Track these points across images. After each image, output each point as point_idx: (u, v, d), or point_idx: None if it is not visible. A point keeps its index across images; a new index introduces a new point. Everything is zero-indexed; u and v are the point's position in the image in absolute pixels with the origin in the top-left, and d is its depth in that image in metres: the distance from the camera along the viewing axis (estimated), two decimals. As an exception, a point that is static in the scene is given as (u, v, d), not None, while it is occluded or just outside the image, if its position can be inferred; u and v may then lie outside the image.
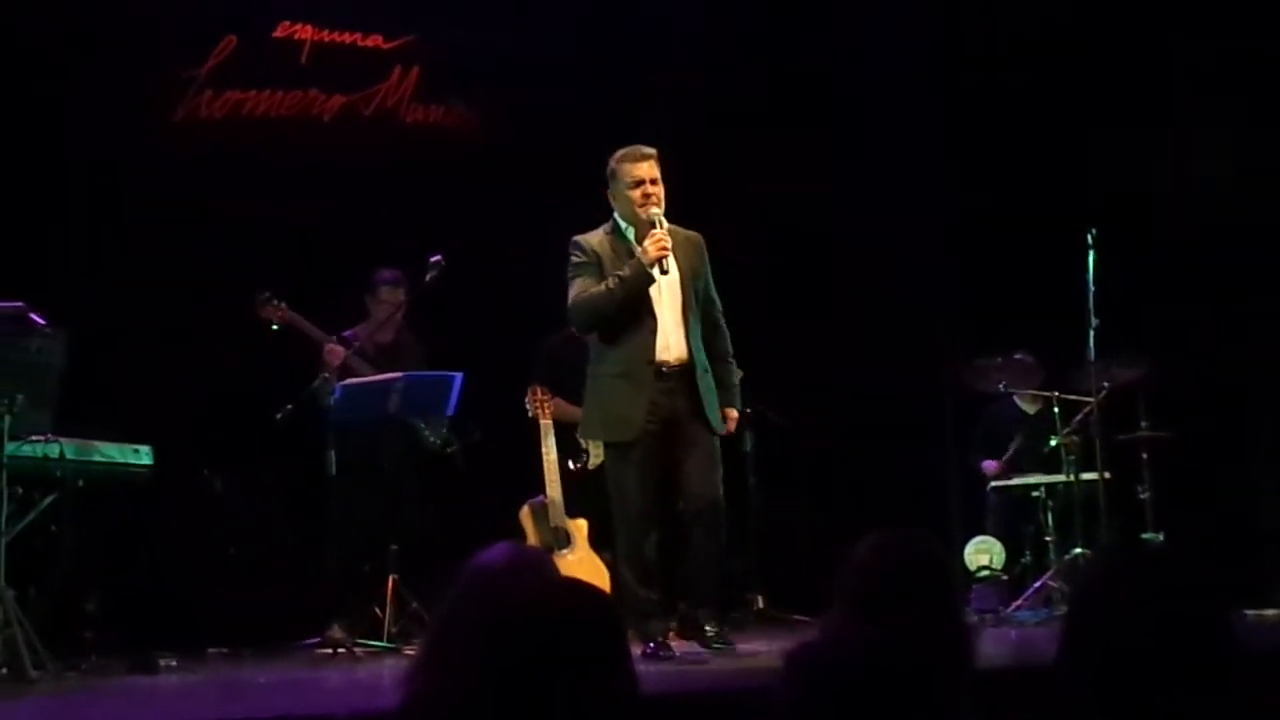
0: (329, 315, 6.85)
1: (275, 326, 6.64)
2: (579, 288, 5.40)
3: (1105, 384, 6.83)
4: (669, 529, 5.56)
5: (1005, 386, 7.52)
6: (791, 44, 8.53)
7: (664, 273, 5.30)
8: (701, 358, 5.43)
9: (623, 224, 5.49)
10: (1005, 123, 8.02)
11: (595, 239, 5.47)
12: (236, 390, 6.97)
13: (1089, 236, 6.60)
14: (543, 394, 6.67)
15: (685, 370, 5.38)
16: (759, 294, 7.98)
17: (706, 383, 5.41)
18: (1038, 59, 8.00)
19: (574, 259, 5.45)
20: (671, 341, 5.36)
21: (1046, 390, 7.30)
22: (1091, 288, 6.56)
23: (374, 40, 8.13)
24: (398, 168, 7.94)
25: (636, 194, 5.38)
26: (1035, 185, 7.87)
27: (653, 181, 5.41)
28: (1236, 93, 7.73)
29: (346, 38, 8.09)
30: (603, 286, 5.33)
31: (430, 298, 6.74)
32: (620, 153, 5.47)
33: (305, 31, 7.99)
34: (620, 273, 5.32)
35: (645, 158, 5.43)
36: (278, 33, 7.95)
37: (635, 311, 5.34)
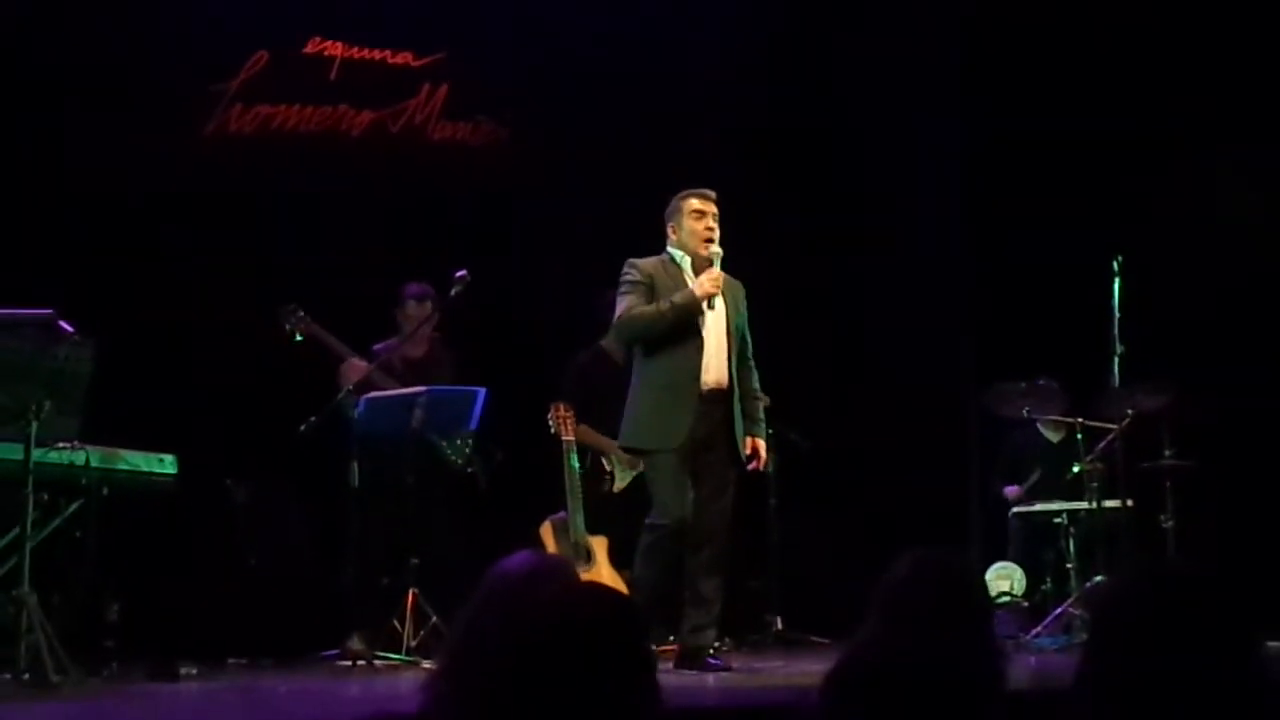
0: (356, 330, 6.87)
1: (299, 339, 6.68)
2: (629, 304, 5.69)
3: (1129, 411, 6.81)
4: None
5: (1029, 412, 7.49)
6: (816, 68, 8.56)
7: (711, 309, 5.63)
8: (736, 387, 5.71)
9: (677, 254, 5.81)
10: (1034, 146, 8.02)
11: (650, 264, 5.77)
12: (261, 402, 7.00)
13: (1115, 263, 6.59)
14: (565, 411, 6.70)
15: (724, 395, 5.68)
16: (782, 316, 8.00)
17: (738, 411, 5.70)
18: (1069, 80, 8.00)
19: (628, 277, 5.74)
20: (715, 365, 5.66)
21: (1070, 417, 7.28)
22: (1117, 314, 6.56)
23: (403, 57, 8.18)
24: (425, 184, 7.98)
25: (700, 226, 5.75)
26: (1063, 211, 7.87)
27: (714, 219, 5.77)
28: (1269, 121, 7.72)
29: (376, 54, 8.13)
30: (654, 307, 5.63)
31: (455, 313, 6.76)
32: (684, 191, 5.84)
33: (335, 48, 8.04)
34: (673, 299, 5.62)
35: (708, 197, 5.82)
36: (308, 49, 8.00)
37: (685, 332, 5.64)
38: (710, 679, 5.37)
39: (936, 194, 8.42)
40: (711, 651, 5.64)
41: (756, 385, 5.90)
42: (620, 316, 5.72)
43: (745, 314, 5.86)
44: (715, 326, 5.68)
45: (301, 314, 6.68)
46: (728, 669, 5.57)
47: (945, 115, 8.48)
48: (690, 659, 5.53)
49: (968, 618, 2.36)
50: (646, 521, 5.64)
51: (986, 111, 8.26)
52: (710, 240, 5.71)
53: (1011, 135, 8.13)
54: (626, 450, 6.03)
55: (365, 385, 6.59)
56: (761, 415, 5.88)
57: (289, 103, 7.94)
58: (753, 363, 5.89)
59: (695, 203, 5.79)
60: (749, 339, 5.87)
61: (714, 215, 5.76)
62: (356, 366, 6.68)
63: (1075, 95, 8.05)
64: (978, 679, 2.23)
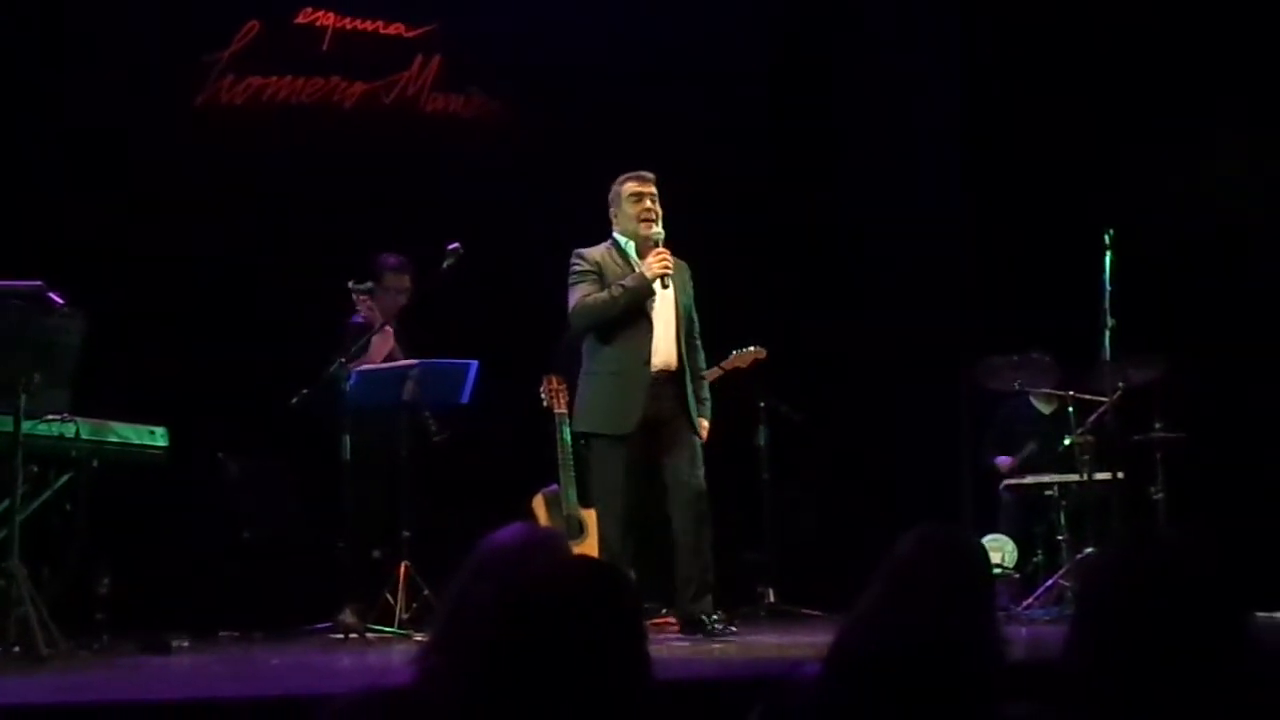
0: (345, 301, 6.85)
1: (368, 318, 6.70)
2: (581, 292, 5.80)
3: (1120, 384, 6.80)
4: (661, 527, 5.81)
5: (1021, 385, 7.49)
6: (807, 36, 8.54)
7: (665, 287, 5.73)
8: (687, 366, 5.84)
9: (622, 240, 5.94)
10: (1026, 121, 8.00)
11: (597, 252, 5.88)
12: (253, 374, 6.99)
13: (1106, 236, 6.58)
14: (558, 383, 6.71)
15: (673, 375, 5.81)
16: (775, 288, 7.99)
17: (690, 389, 5.83)
18: (1061, 58, 7.98)
19: (576, 267, 5.85)
20: (663, 347, 5.79)
21: (1062, 390, 7.27)
22: (1108, 288, 6.55)
23: (396, 28, 8.16)
24: (417, 155, 7.95)
25: (638, 210, 5.84)
26: (1054, 185, 7.85)
27: (652, 200, 5.86)
28: (1260, 95, 7.71)
29: (368, 25, 8.12)
30: (606, 293, 5.74)
31: (447, 285, 6.74)
32: (623, 176, 5.94)
33: (327, 18, 8.02)
34: (624, 282, 5.73)
35: (646, 180, 5.91)
36: (300, 19, 7.98)
37: (634, 317, 5.75)
38: (708, 648, 5.39)
39: (933, 170, 8.39)
40: (715, 618, 5.70)
41: (702, 364, 6.07)
42: (574, 307, 5.81)
43: (692, 294, 5.97)
44: (664, 309, 5.79)
45: (364, 294, 6.66)
46: (731, 628, 5.72)
47: (944, 93, 8.45)
48: (693, 626, 5.63)
49: (974, 594, 2.36)
50: (596, 509, 5.87)
51: (983, 88, 8.24)
52: (650, 221, 5.79)
53: (1007, 109, 8.11)
54: (580, 435, 6.11)
55: (388, 359, 6.61)
56: (707, 394, 6.03)
57: (281, 74, 7.92)
58: (699, 342, 6.02)
59: (633, 185, 5.88)
60: (695, 319, 6.00)
61: (653, 197, 5.85)
62: (386, 333, 6.68)
63: (1070, 70, 8.02)
64: (983, 654, 2.23)
